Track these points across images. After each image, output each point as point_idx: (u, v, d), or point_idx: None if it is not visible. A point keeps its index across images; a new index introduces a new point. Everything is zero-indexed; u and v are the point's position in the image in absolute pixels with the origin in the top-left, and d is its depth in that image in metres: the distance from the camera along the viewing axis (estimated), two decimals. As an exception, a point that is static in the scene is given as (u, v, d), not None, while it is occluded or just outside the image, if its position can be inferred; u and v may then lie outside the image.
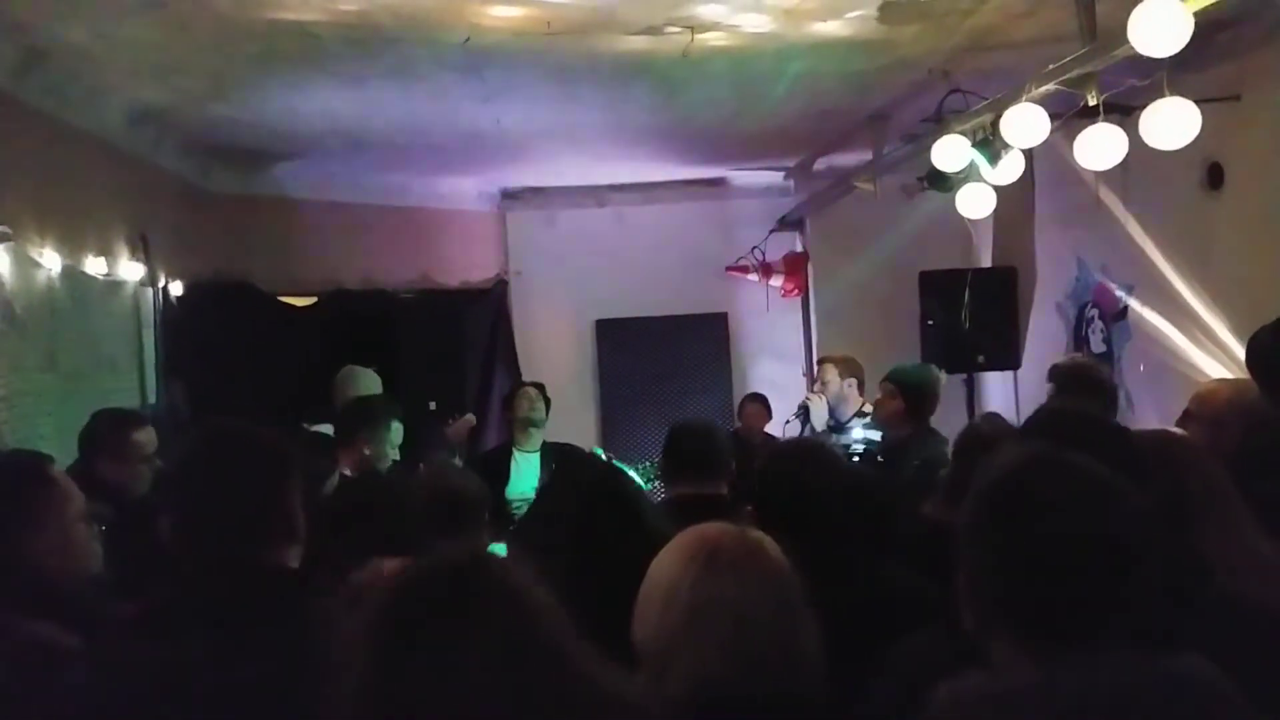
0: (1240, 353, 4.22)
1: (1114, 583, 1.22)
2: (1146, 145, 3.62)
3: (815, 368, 5.55)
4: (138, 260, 5.33)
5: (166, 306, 5.71)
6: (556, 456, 5.07)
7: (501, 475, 5.05)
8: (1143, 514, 1.25)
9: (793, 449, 2.96)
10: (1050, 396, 3.69)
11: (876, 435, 5.15)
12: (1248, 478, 2.32)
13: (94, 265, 4.85)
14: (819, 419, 5.28)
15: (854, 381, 5.29)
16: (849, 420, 5.29)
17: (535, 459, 5.12)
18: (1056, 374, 3.72)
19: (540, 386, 5.37)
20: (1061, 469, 1.28)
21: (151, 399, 5.52)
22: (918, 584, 2.20)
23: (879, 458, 4.71)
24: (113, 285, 5.12)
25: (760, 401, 6.80)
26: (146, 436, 3.50)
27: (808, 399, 5.33)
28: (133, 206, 5.41)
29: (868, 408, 5.29)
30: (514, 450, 5.19)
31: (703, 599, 1.50)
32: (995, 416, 3.89)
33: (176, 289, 5.83)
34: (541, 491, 4.66)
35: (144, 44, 4.17)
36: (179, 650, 1.69)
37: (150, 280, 5.50)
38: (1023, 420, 4.62)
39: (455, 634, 1.17)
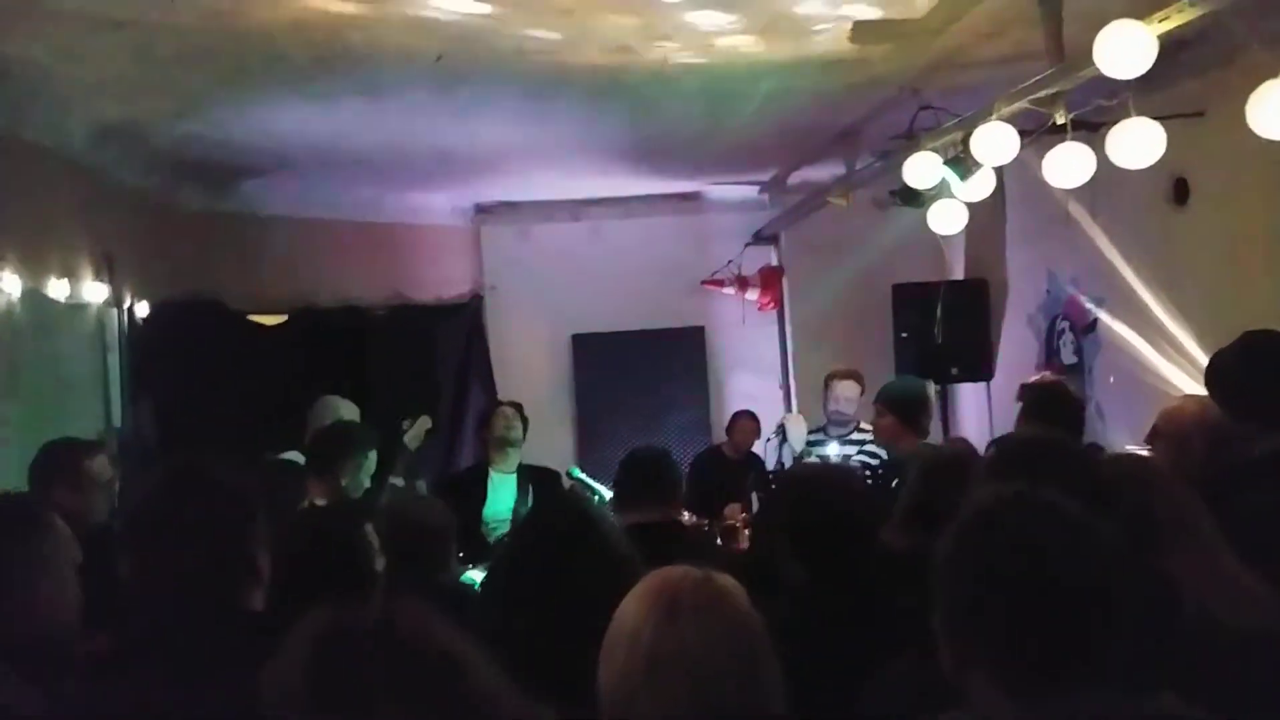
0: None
1: (1089, 623, 1.22)
2: (1114, 162, 3.65)
3: (828, 384, 5.40)
4: (102, 280, 5.25)
5: (132, 327, 5.62)
6: (534, 484, 5.02)
7: (477, 496, 5.01)
8: (1116, 553, 1.25)
9: (823, 473, 2.97)
10: (1019, 416, 3.71)
11: (853, 450, 5.17)
12: (1213, 497, 2.34)
13: (56, 287, 4.77)
14: (797, 439, 5.31)
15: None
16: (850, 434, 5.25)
17: (512, 480, 5.07)
18: (1025, 394, 3.74)
19: (517, 406, 5.32)
20: (1036, 508, 1.29)
21: (116, 423, 5.43)
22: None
23: (882, 474, 4.72)
24: (76, 307, 5.04)
25: (752, 418, 6.80)
26: (100, 464, 3.45)
27: (785, 419, 5.37)
28: (97, 225, 5.32)
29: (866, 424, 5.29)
30: (490, 470, 5.14)
31: (663, 648, 1.48)
32: (960, 441, 3.91)
33: (143, 309, 5.74)
34: (513, 535, 4.56)
35: (107, 62, 4.12)
36: (139, 693, 1.66)
37: (115, 301, 5.42)
38: (995, 434, 4.66)
39: (368, 696, 1.15)
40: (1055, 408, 3.65)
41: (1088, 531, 1.26)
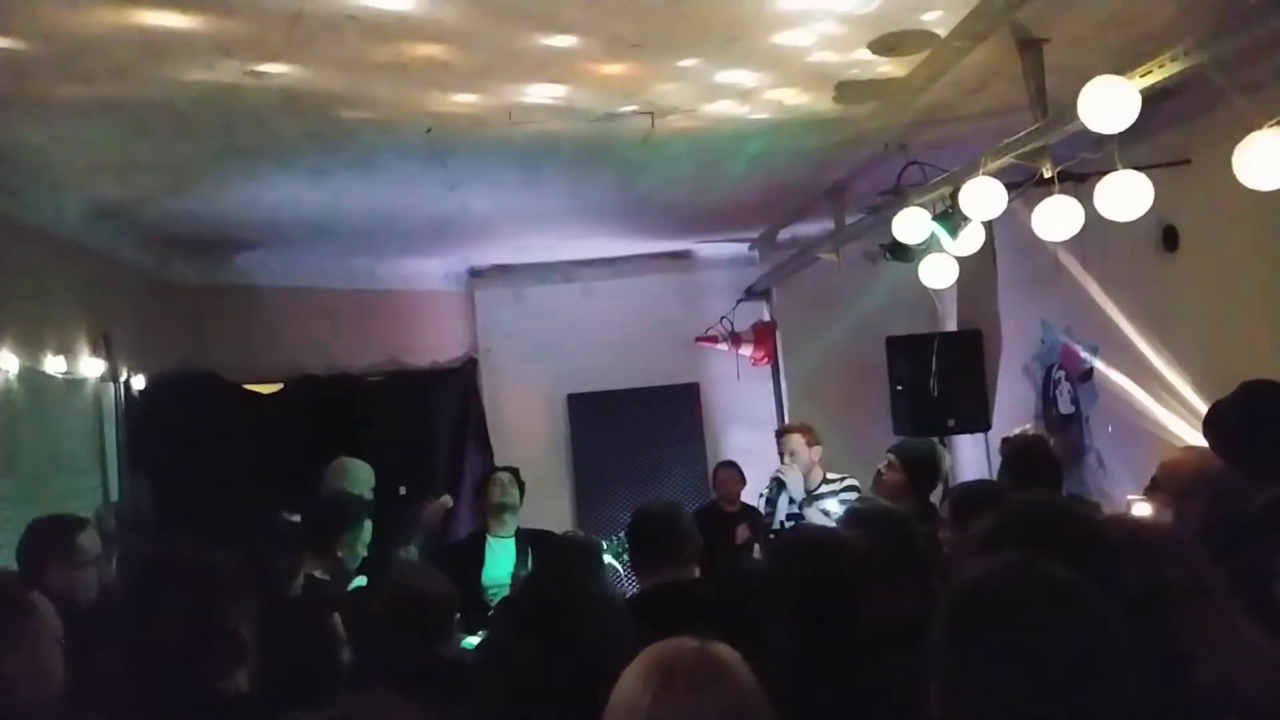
0: (1203, 410, 4.26)
1: (1083, 695, 1.19)
2: (1102, 213, 3.68)
3: (778, 440, 5.53)
4: (99, 356, 5.27)
5: (129, 401, 5.64)
6: (532, 547, 4.98)
7: (476, 562, 4.98)
8: (1112, 626, 1.23)
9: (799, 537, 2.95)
10: (999, 471, 3.72)
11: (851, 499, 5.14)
12: (1213, 552, 2.32)
13: (53, 364, 4.79)
14: (796, 490, 5.29)
15: (819, 449, 5.37)
16: (818, 488, 5.32)
17: (510, 544, 5.04)
18: (1005, 450, 3.76)
19: (514, 471, 5.30)
20: (1032, 580, 1.27)
21: (115, 497, 5.42)
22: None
23: None
24: (73, 383, 5.05)
25: (733, 467, 6.81)
26: (89, 539, 3.43)
27: (780, 472, 5.34)
28: (92, 303, 5.35)
29: (832, 475, 5.34)
30: (488, 536, 5.11)
31: (659, 719, 1.47)
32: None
33: (139, 383, 5.76)
34: (502, 609, 4.51)
35: (102, 143, 4.16)
36: None
37: (112, 375, 5.44)
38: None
39: None
40: (1032, 463, 3.66)
41: (1083, 603, 1.24)
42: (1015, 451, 3.77)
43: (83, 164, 4.45)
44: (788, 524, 5.21)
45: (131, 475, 5.57)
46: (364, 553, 4.22)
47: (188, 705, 1.78)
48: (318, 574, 4.06)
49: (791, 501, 5.29)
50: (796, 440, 5.41)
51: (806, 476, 5.35)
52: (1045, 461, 3.73)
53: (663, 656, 1.56)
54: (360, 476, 5.07)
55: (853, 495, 5.17)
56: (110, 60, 3.25)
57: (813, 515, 5.20)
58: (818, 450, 5.39)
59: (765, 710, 1.54)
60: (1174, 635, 1.76)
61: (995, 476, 6.20)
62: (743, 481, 6.71)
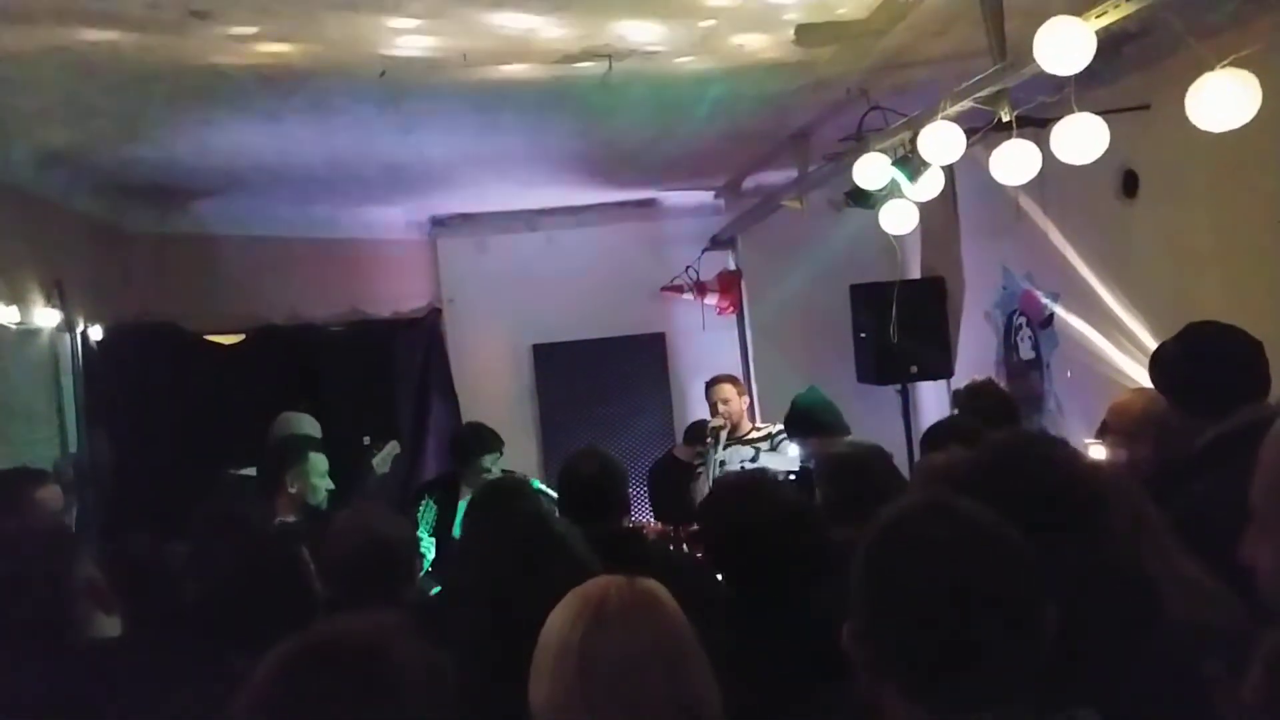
0: (1161, 356, 4.32)
1: (993, 635, 1.19)
2: (1060, 158, 3.68)
3: (707, 390, 5.65)
4: (53, 306, 5.19)
5: (86, 352, 5.57)
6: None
7: (449, 512, 4.91)
8: (1029, 565, 1.23)
9: (735, 483, 2.96)
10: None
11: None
12: (1159, 491, 2.36)
13: (6, 314, 4.71)
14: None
15: (747, 399, 5.48)
16: (747, 434, 5.40)
17: None
18: (957, 399, 3.79)
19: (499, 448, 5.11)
20: (945, 518, 1.26)
21: (73, 448, 5.36)
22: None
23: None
24: (27, 333, 4.98)
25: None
26: (50, 494, 3.40)
27: (715, 424, 5.42)
28: (45, 252, 5.26)
29: (762, 424, 5.43)
30: (461, 486, 5.00)
31: (592, 655, 1.49)
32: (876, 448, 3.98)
33: (96, 333, 5.68)
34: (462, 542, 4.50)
35: (50, 87, 4.05)
36: None
37: (68, 326, 5.36)
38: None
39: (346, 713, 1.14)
40: (988, 405, 3.69)
41: (996, 541, 1.23)
42: (968, 394, 3.79)
43: (29, 109, 4.34)
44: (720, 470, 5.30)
45: (90, 427, 5.51)
46: (325, 485, 4.22)
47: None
48: (288, 518, 4.08)
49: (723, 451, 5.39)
50: (727, 390, 5.51)
51: (736, 426, 5.45)
52: (999, 400, 3.76)
53: (592, 592, 1.57)
54: (303, 428, 5.03)
55: (782, 440, 5.28)
56: (51, 1, 3.16)
57: (733, 459, 5.36)
58: (744, 400, 5.59)
59: (694, 643, 1.55)
60: (1115, 566, 1.79)
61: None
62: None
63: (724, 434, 5.41)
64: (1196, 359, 2.68)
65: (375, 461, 5.03)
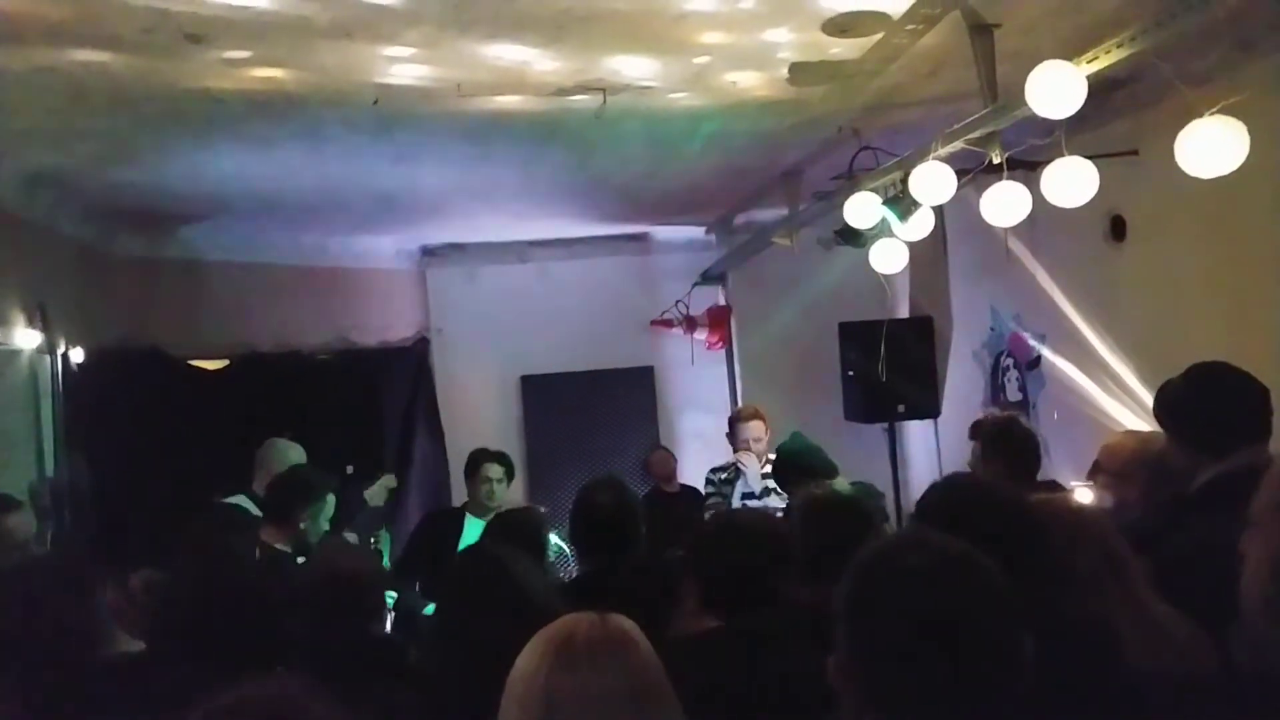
0: (1147, 399, 4.31)
1: (973, 665, 1.19)
2: (1050, 201, 3.69)
3: (737, 425, 5.51)
4: (35, 328, 5.14)
5: (67, 375, 5.50)
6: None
7: (452, 538, 4.89)
8: (1006, 595, 1.22)
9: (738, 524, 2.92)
10: (978, 455, 3.72)
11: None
12: (1151, 534, 2.34)
13: (-14, 335, 4.67)
14: (754, 480, 5.27)
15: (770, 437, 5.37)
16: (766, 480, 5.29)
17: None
18: (981, 432, 3.75)
19: (504, 462, 5.13)
20: (922, 551, 1.27)
21: (50, 472, 5.29)
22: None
23: None
24: (7, 354, 4.93)
25: (661, 449, 7.11)
26: (18, 522, 3.34)
27: (740, 460, 5.33)
28: (29, 273, 5.22)
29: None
30: (468, 514, 5.01)
31: (558, 692, 1.47)
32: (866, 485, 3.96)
33: (78, 356, 5.62)
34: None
35: (37, 108, 4.03)
36: None
37: (49, 348, 5.30)
38: (943, 471, 4.67)
39: None
40: (1012, 443, 3.66)
41: (973, 572, 1.23)
42: (992, 433, 3.74)
43: (17, 129, 4.31)
44: None
45: (69, 451, 5.44)
46: (325, 528, 4.19)
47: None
48: (279, 545, 4.02)
49: (747, 495, 5.29)
50: (759, 428, 5.39)
51: (762, 462, 5.34)
52: (1025, 439, 3.72)
53: (560, 630, 1.56)
54: (291, 456, 4.98)
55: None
56: (42, 21, 3.15)
57: (772, 504, 5.21)
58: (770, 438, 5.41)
59: (664, 683, 1.53)
60: (1082, 608, 1.77)
61: (940, 463, 6.33)
62: (674, 460, 6.76)
63: (752, 471, 5.29)
64: (1202, 397, 2.67)
65: (368, 494, 4.99)
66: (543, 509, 4.67)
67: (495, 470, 5.06)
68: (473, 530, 4.95)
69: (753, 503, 5.23)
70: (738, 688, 2.02)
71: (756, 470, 5.32)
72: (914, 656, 1.18)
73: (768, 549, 2.37)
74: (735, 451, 5.45)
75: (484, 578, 2.01)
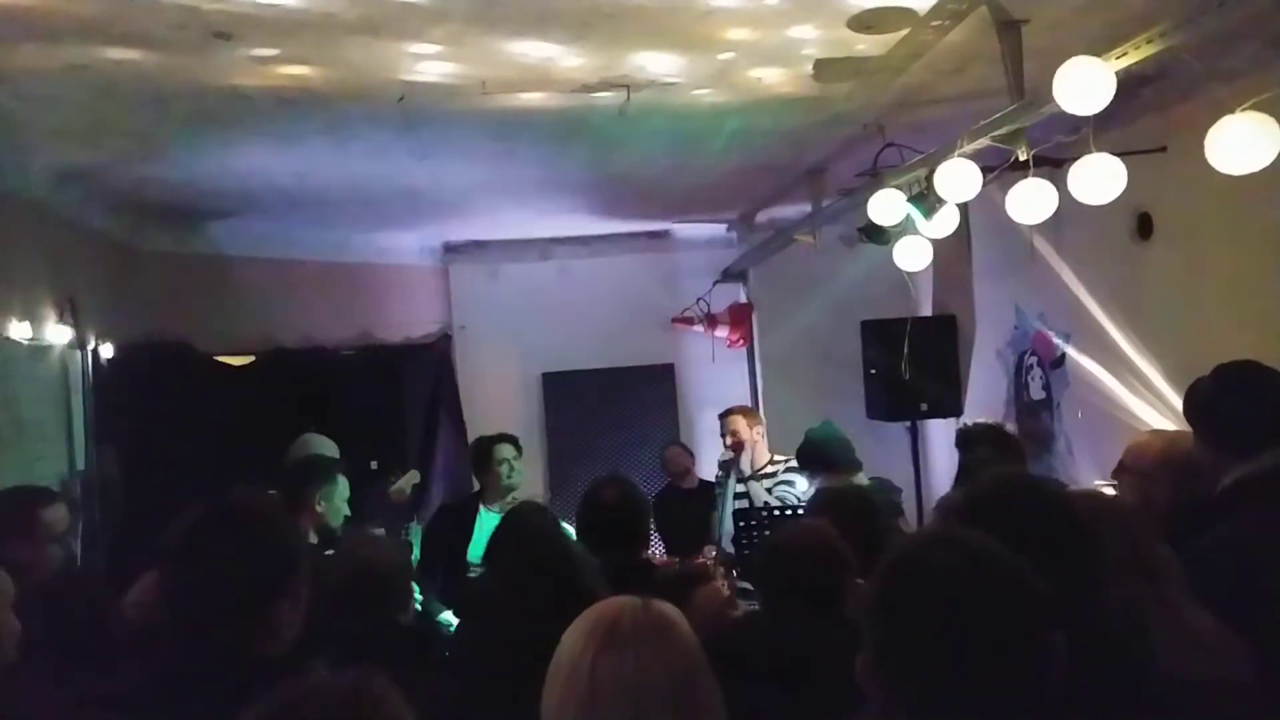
0: (1173, 399, 4.29)
1: (1002, 662, 1.18)
2: (1077, 198, 3.67)
3: (721, 422, 5.62)
4: (65, 323, 5.20)
5: (97, 369, 5.56)
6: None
7: (464, 533, 4.87)
8: (1037, 593, 1.21)
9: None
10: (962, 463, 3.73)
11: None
12: (1177, 534, 2.33)
13: (18, 330, 4.71)
14: (746, 467, 5.36)
15: (761, 430, 5.44)
16: (763, 467, 5.35)
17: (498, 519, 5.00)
18: (961, 440, 3.76)
19: (515, 441, 5.17)
20: (952, 548, 1.25)
21: (80, 465, 5.35)
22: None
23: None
24: (38, 349, 4.98)
25: (676, 444, 7.13)
26: (55, 514, 3.37)
27: (724, 458, 5.40)
28: (59, 268, 5.28)
29: (779, 456, 5.38)
30: (481, 507, 4.99)
31: (602, 674, 1.48)
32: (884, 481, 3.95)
33: (107, 351, 5.68)
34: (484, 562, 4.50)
35: (69, 105, 4.08)
36: None
37: (79, 343, 5.36)
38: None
39: None
40: (995, 448, 3.66)
41: (1004, 570, 1.22)
42: (968, 439, 3.75)
43: (48, 126, 4.36)
44: (737, 503, 5.25)
45: (98, 444, 5.50)
46: (345, 511, 4.21)
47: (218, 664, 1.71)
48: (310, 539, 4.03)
49: (741, 475, 5.35)
50: (737, 422, 5.49)
51: (752, 456, 5.41)
52: (1006, 443, 3.73)
53: (606, 613, 1.57)
54: (324, 450, 5.02)
55: (793, 475, 5.24)
56: (74, 19, 3.19)
57: (758, 492, 5.28)
58: (761, 431, 5.51)
59: (706, 668, 1.54)
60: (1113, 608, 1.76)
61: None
62: (690, 457, 6.79)
63: (733, 467, 5.37)
64: (1232, 396, 2.65)
65: (393, 490, 5.01)
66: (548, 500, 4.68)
67: (508, 450, 5.06)
68: (488, 522, 4.96)
69: (755, 484, 5.31)
70: (774, 663, 2.03)
71: (744, 461, 5.38)
72: (942, 656, 1.17)
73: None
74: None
75: (539, 552, 2.03)
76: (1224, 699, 1.80)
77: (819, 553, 2.49)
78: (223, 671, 1.63)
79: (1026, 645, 1.18)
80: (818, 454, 4.70)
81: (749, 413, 5.63)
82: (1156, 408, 4.74)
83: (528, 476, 7.44)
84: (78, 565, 4.46)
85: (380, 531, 4.79)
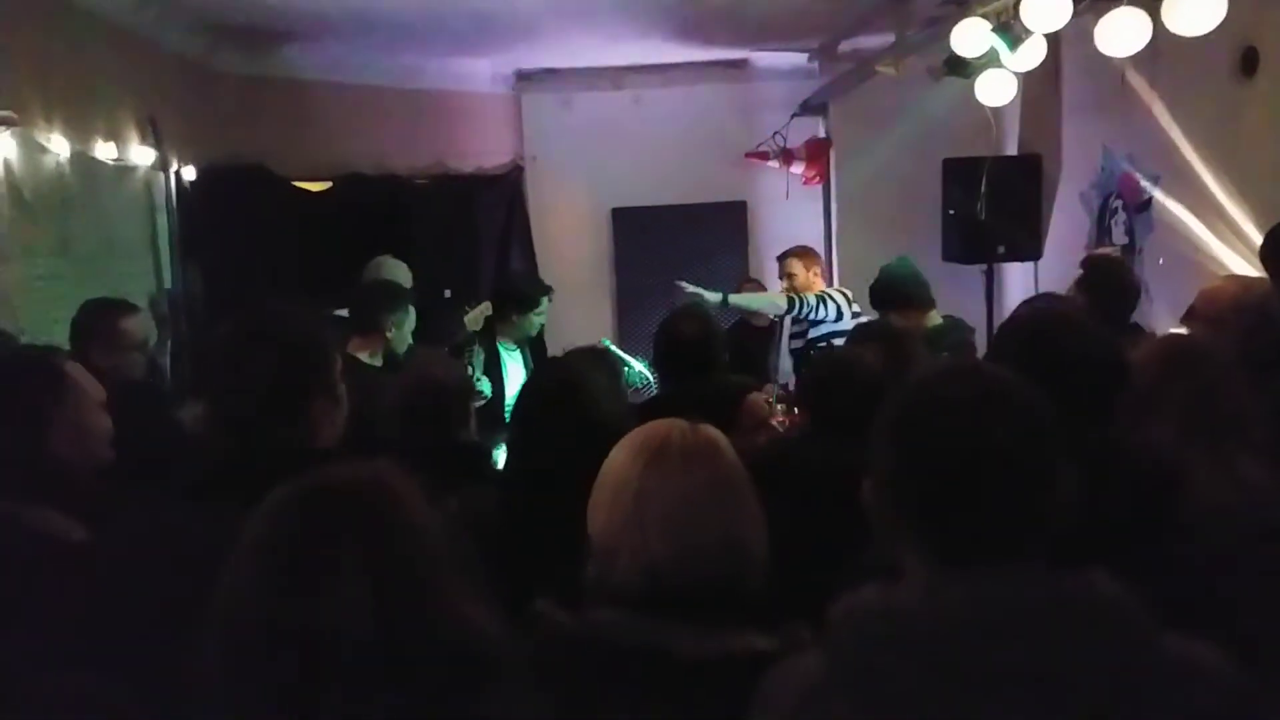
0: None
1: (1005, 488, 1.18)
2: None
3: (779, 265, 5.60)
4: (148, 144, 5.31)
5: (180, 191, 5.71)
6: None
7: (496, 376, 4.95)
8: (1047, 425, 1.21)
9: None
10: (1072, 286, 3.64)
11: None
12: (1250, 376, 2.29)
13: (103, 150, 4.83)
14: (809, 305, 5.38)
15: (818, 270, 5.40)
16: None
17: (517, 354, 5.08)
18: (1088, 266, 3.64)
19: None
20: (967, 378, 1.25)
21: (168, 283, 5.56)
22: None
23: None
24: (123, 170, 5.11)
25: (750, 280, 7.01)
26: (135, 324, 3.54)
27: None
28: (140, 89, 5.35)
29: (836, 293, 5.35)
30: (500, 346, 5.04)
31: (649, 488, 1.54)
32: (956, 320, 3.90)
33: (189, 173, 5.81)
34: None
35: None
36: (215, 515, 1.69)
37: (162, 164, 5.49)
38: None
39: (325, 558, 1.16)
40: (1113, 284, 3.56)
41: (1017, 402, 1.22)
42: (1096, 271, 3.64)
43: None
44: (793, 342, 5.38)
45: (183, 263, 5.69)
46: (410, 340, 4.31)
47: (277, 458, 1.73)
48: (364, 357, 4.15)
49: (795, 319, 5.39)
50: (795, 264, 5.48)
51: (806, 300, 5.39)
52: (1126, 282, 3.63)
53: (654, 434, 1.62)
54: (398, 274, 5.12)
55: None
56: None
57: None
58: (817, 272, 5.48)
59: (748, 490, 1.60)
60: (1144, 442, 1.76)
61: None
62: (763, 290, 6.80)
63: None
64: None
65: (467, 320, 5.11)
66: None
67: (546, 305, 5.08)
68: (508, 358, 5.02)
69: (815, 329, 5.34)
70: (815, 482, 2.10)
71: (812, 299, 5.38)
72: (948, 477, 1.18)
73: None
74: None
75: (557, 398, 2.10)
76: (1260, 541, 1.81)
77: (857, 379, 2.55)
78: (264, 464, 1.71)
79: (1031, 473, 1.19)
80: (893, 289, 4.62)
81: (806, 254, 5.54)
82: (1244, 255, 4.57)
83: (597, 310, 7.62)
84: (165, 376, 4.70)
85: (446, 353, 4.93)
